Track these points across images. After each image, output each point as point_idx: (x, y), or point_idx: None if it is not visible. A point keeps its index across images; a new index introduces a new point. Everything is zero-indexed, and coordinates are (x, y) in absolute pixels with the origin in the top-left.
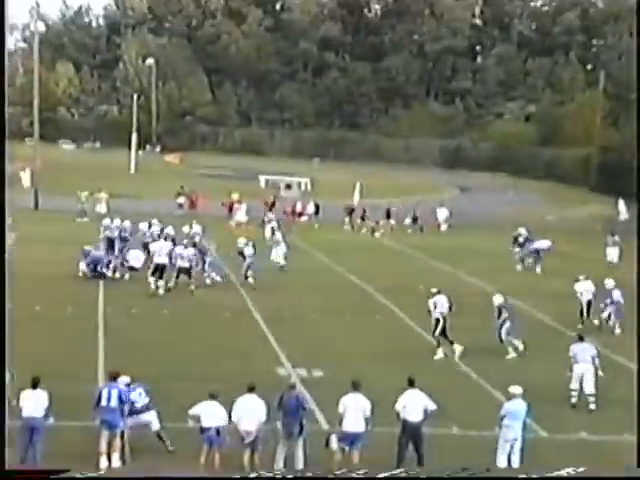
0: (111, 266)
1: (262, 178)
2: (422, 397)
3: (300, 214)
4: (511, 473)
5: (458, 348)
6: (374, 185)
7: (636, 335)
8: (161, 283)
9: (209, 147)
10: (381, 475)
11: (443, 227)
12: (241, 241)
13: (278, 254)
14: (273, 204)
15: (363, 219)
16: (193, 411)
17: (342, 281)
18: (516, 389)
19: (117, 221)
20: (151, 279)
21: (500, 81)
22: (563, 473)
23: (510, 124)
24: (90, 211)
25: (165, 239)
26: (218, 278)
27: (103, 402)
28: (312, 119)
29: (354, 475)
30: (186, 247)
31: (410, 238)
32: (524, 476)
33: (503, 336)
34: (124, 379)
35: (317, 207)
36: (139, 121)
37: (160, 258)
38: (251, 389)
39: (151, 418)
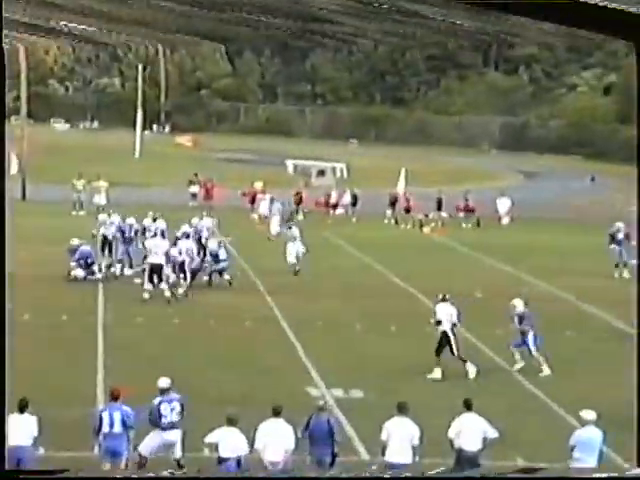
0: (104, 268)
1: (290, 163)
2: (480, 422)
3: (335, 206)
4: (517, 473)
5: (437, 373)
6: (422, 171)
7: (636, 334)
8: (164, 286)
9: (227, 127)
10: (384, 475)
11: (504, 220)
12: (214, 242)
13: (292, 251)
14: (301, 198)
15: (408, 211)
16: (209, 439)
17: (385, 284)
18: (589, 414)
19: (116, 217)
20: (148, 285)
21: (572, 46)
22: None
23: (585, 97)
24: (87, 202)
25: (164, 236)
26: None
27: (105, 427)
28: (348, 93)
29: (355, 475)
30: (188, 237)
31: (465, 233)
32: (534, 476)
33: (533, 350)
34: (164, 382)
35: (355, 197)
36: (145, 96)
37: (156, 257)
38: (277, 412)
39: (175, 438)
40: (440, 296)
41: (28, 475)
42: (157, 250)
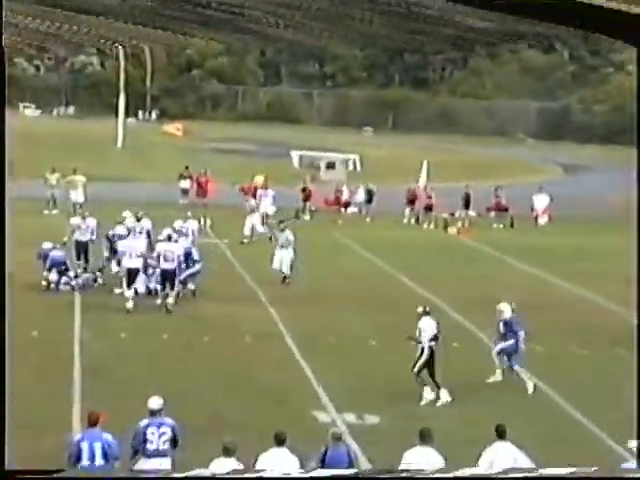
0: (80, 279)
1: (295, 155)
2: (514, 452)
3: (346, 203)
4: (513, 472)
5: (444, 395)
6: (447, 163)
7: (636, 333)
8: (130, 292)
9: (223, 113)
10: (385, 475)
11: (542, 220)
12: (186, 244)
13: (283, 259)
14: (309, 194)
15: (430, 209)
16: (203, 471)
17: (404, 293)
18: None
19: (91, 220)
20: (129, 292)
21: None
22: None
23: (635, 77)
24: (62, 200)
25: (149, 237)
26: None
27: (84, 460)
28: (362, 74)
29: (355, 475)
30: (170, 240)
31: (496, 235)
32: (527, 476)
33: (494, 353)
34: (155, 402)
35: (369, 194)
36: (128, 78)
37: (132, 261)
38: (280, 441)
39: (164, 467)
40: (421, 309)
41: (28, 475)
42: (132, 252)
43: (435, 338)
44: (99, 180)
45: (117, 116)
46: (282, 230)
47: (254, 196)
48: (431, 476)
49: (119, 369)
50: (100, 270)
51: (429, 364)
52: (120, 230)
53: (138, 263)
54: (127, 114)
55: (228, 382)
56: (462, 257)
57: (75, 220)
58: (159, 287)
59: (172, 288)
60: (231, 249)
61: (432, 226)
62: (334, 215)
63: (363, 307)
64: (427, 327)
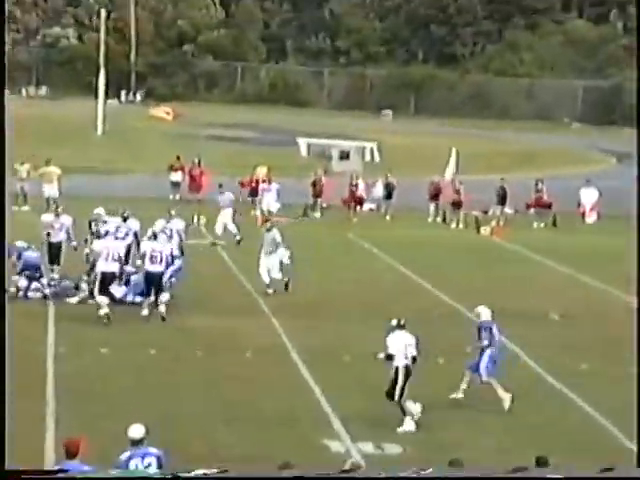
0: (58, 287)
1: (303, 142)
2: None
3: (362, 200)
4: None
5: (414, 407)
6: (479, 152)
7: (636, 335)
8: (104, 299)
9: (219, 94)
10: (382, 475)
11: (590, 218)
12: (163, 244)
13: (273, 263)
14: (320, 189)
15: (459, 206)
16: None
17: (429, 303)
18: None
19: (66, 218)
20: (102, 299)
21: None
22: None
23: None
24: (34, 195)
25: (137, 239)
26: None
27: None
28: (380, 49)
29: (355, 475)
30: (156, 238)
31: (537, 235)
32: (525, 476)
33: (483, 374)
34: (136, 431)
35: (389, 188)
36: (109, 52)
37: (107, 264)
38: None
39: None
40: (395, 322)
41: (28, 475)
42: (109, 254)
43: (412, 358)
44: (76, 172)
45: (96, 97)
46: (268, 230)
47: (255, 190)
48: (433, 476)
49: (99, 389)
50: (89, 275)
51: (402, 387)
52: (109, 227)
53: (114, 267)
54: (108, 95)
55: (225, 404)
56: (495, 260)
57: (47, 218)
58: (139, 298)
59: (158, 294)
60: (228, 250)
61: (461, 225)
62: (348, 212)
63: (380, 318)
64: (399, 342)
